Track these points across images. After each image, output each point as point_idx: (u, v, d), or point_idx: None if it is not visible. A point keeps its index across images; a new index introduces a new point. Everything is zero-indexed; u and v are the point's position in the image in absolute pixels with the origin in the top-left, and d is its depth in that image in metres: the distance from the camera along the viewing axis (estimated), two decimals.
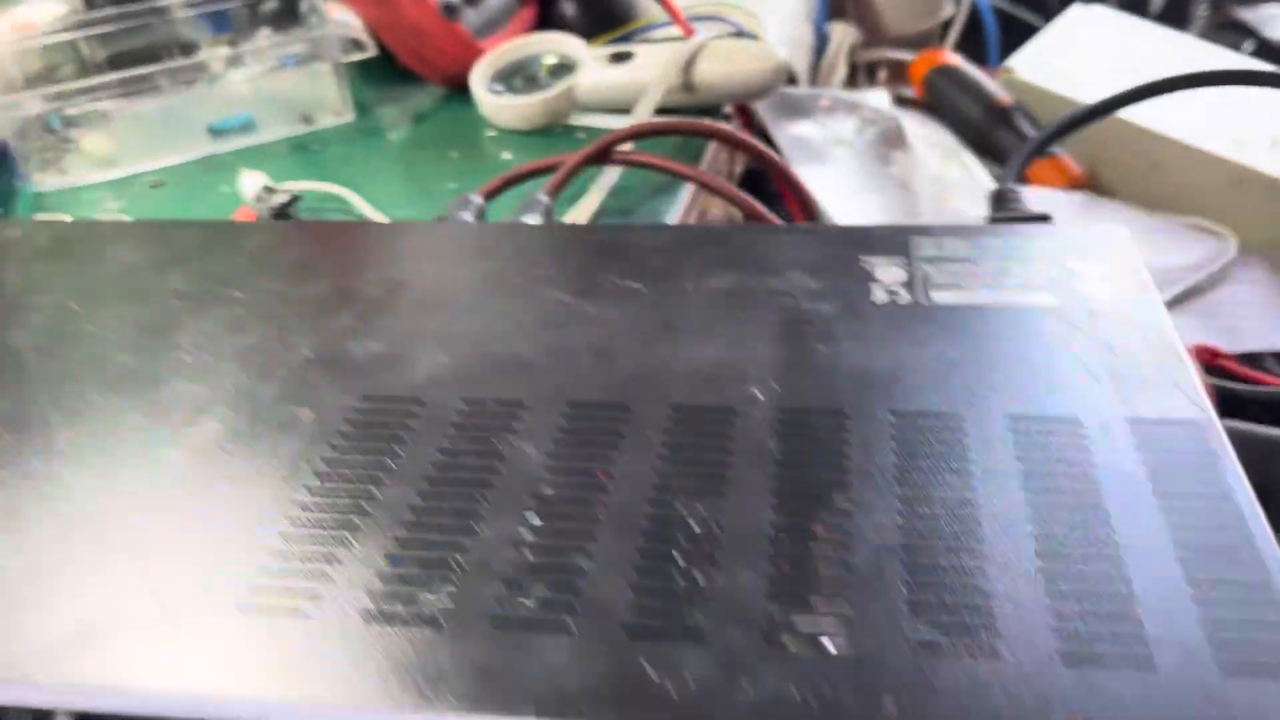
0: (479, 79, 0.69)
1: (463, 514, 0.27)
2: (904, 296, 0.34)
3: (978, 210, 0.68)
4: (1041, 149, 0.50)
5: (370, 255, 0.40)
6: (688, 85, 0.67)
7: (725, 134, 0.59)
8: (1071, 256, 0.35)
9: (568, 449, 0.29)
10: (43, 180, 0.65)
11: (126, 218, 0.60)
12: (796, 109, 0.71)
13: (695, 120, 0.62)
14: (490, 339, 0.34)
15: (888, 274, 0.35)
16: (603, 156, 0.56)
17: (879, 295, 0.34)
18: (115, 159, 0.66)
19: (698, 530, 0.26)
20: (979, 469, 0.27)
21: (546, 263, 0.38)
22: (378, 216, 0.59)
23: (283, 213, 0.59)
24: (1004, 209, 0.44)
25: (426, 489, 0.28)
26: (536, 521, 0.26)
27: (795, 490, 0.27)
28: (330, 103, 0.69)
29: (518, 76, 0.70)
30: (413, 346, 0.34)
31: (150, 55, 0.70)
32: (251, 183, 0.61)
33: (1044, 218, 0.42)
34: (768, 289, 0.35)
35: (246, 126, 0.68)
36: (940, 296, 0.33)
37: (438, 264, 0.39)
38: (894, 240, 0.37)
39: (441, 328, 0.35)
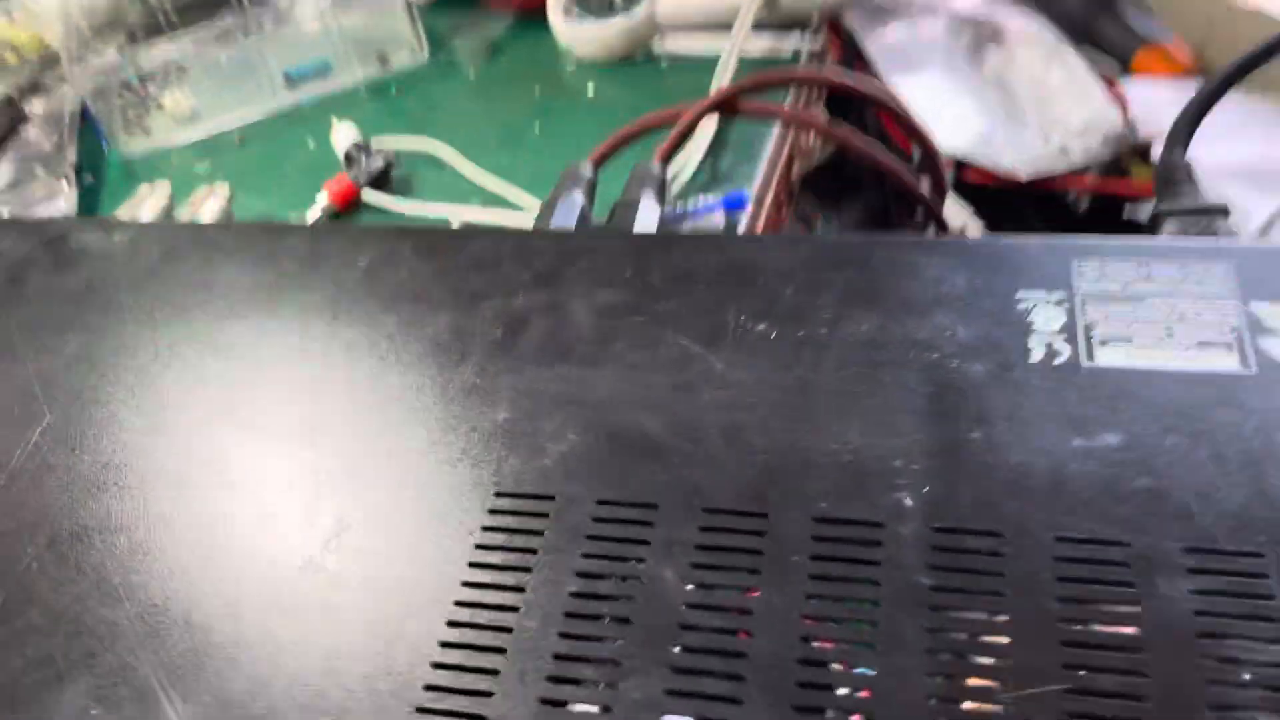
0: (555, 3, 0.61)
1: (604, 664, 0.23)
2: (1064, 351, 0.28)
3: (1082, 114, 0.60)
4: (1217, 97, 0.39)
5: (484, 279, 0.34)
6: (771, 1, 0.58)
7: (861, 92, 0.52)
8: (1257, 295, 0.28)
9: (706, 573, 0.25)
10: (129, 144, 0.60)
11: (224, 186, 0.55)
12: (885, 14, 0.62)
13: (824, 72, 0.55)
14: (617, 406, 0.29)
15: (1046, 318, 0.29)
16: (722, 109, 0.50)
17: (1036, 350, 0.28)
18: (197, 115, 0.60)
19: (845, 694, 0.22)
20: (1149, 623, 0.22)
21: (669, 292, 0.32)
22: (474, 172, 0.53)
23: (383, 177, 0.53)
24: (1173, 194, 0.36)
25: (565, 626, 0.24)
26: (679, 684, 0.23)
27: (949, 644, 0.22)
28: (405, 40, 0.62)
29: None
30: (538, 416, 0.29)
31: None
32: (343, 137, 0.55)
33: (1221, 210, 0.34)
34: (911, 339, 0.29)
35: (322, 70, 0.61)
36: (1105, 356, 0.28)
37: (555, 292, 0.33)
38: (1052, 266, 0.30)
39: (566, 389, 0.30)
